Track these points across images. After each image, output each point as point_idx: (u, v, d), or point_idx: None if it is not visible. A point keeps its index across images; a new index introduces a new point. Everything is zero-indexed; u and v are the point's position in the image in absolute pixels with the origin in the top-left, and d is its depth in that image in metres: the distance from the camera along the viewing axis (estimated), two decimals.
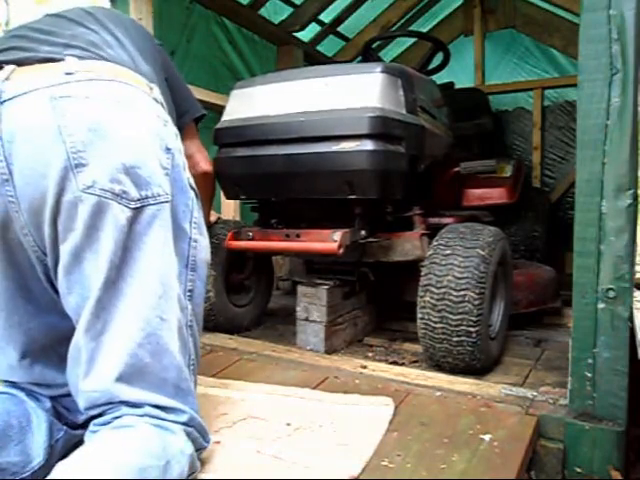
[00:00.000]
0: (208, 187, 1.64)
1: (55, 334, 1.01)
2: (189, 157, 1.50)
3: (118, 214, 0.88)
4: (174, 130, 1.06)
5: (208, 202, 1.74)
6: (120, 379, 0.86)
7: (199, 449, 0.95)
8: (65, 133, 0.87)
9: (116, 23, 1.15)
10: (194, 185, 1.06)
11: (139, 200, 0.90)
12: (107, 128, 0.90)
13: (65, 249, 0.89)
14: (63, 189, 0.87)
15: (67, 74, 0.93)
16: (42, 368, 1.03)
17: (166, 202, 0.94)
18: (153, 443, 0.84)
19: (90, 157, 0.88)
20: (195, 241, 1.02)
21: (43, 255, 0.94)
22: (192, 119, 1.45)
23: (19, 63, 0.95)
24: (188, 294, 1.01)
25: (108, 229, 0.88)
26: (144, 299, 0.90)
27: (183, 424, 0.91)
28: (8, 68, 0.93)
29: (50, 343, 1.02)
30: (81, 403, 0.90)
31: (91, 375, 0.88)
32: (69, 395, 0.96)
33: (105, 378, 0.86)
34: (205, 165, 1.54)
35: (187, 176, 1.04)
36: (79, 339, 0.89)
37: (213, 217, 1.99)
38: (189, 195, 1.03)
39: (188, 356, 0.98)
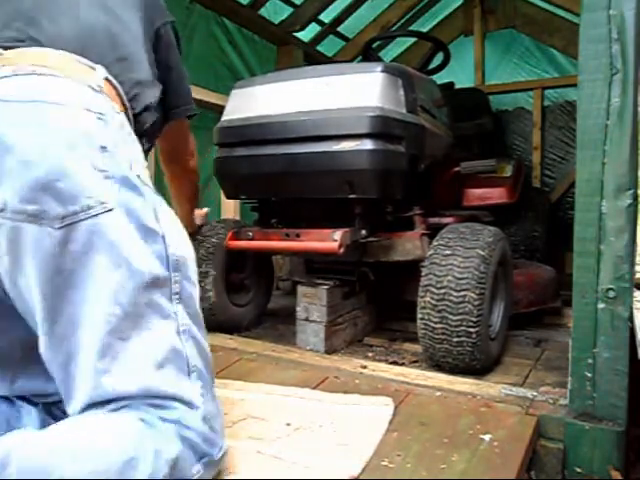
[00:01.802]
0: (189, 184, 1.59)
1: (29, 347, 0.90)
2: (169, 151, 1.47)
3: (40, 238, 0.78)
4: (118, 120, 0.93)
5: (190, 200, 1.70)
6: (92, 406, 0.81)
7: (203, 457, 0.86)
8: None
9: None
10: (148, 181, 0.94)
11: (66, 217, 0.79)
12: (13, 139, 0.79)
13: (2, 272, 0.83)
14: None
15: None
16: (26, 381, 0.97)
17: (107, 212, 0.82)
18: (119, 430, 0.78)
19: None
20: (170, 237, 0.90)
21: None
22: (181, 116, 1.35)
23: None
24: (175, 297, 0.88)
25: (31, 255, 0.79)
26: (98, 325, 0.80)
27: (174, 422, 0.83)
28: None
29: (27, 356, 0.93)
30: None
31: (69, 403, 0.83)
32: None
33: (78, 410, 0.81)
34: (186, 161, 1.48)
35: (139, 172, 0.91)
36: (49, 365, 0.84)
37: (200, 214, 1.91)
38: (144, 191, 0.90)
39: (186, 363, 0.87)
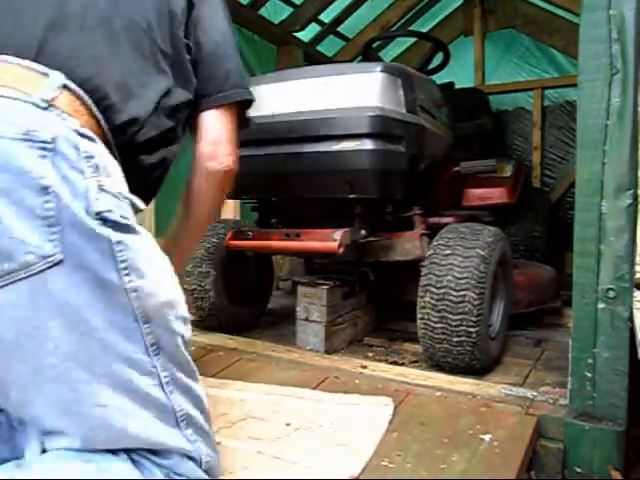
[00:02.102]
0: (212, 193, 1.19)
1: None
2: (197, 151, 1.19)
3: None
4: (73, 144, 0.77)
5: (195, 240, 1.34)
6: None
7: None
8: None
9: None
10: (126, 211, 0.79)
11: (1, 278, 0.70)
12: None
13: None
14: None
15: None
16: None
17: (53, 266, 0.71)
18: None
19: None
20: (135, 290, 0.76)
21: None
22: (214, 105, 1.12)
23: None
24: (153, 349, 0.79)
25: None
26: (60, 399, 0.74)
27: (165, 467, 0.81)
28: None
29: None
30: None
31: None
32: None
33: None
34: (212, 162, 1.13)
35: (107, 206, 0.76)
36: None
37: None
38: (102, 236, 0.74)
39: (172, 414, 0.81)
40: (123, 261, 0.76)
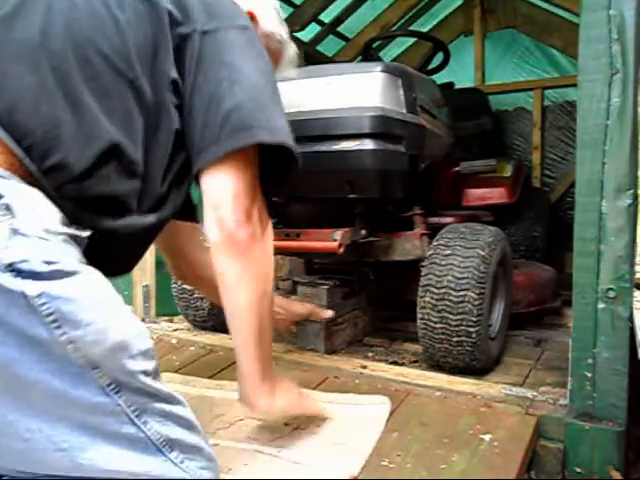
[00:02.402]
0: (232, 273, 0.93)
1: None
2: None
3: None
4: None
5: (241, 307, 0.96)
6: None
7: None
8: None
9: None
10: (29, 265, 0.66)
11: None
12: None
13: None
14: None
15: None
16: None
17: None
18: None
19: None
20: (71, 342, 0.68)
21: None
22: (208, 162, 0.88)
23: None
24: (111, 389, 0.73)
25: None
26: (12, 450, 0.72)
27: None
28: None
29: None
30: None
31: None
32: None
33: None
34: (212, 233, 0.91)
35: (9, 260, 0.65)
36: None
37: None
38: (15, 291, 0.65)
39: (152, 445, 0.78)
40: (49, 314, 0.67)
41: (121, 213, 0.84)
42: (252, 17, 1.07)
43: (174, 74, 0.87)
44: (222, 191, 0.89)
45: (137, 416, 0.76)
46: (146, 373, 0.77)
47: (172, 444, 0.81)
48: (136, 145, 0.83)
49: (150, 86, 0.84)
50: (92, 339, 0.70)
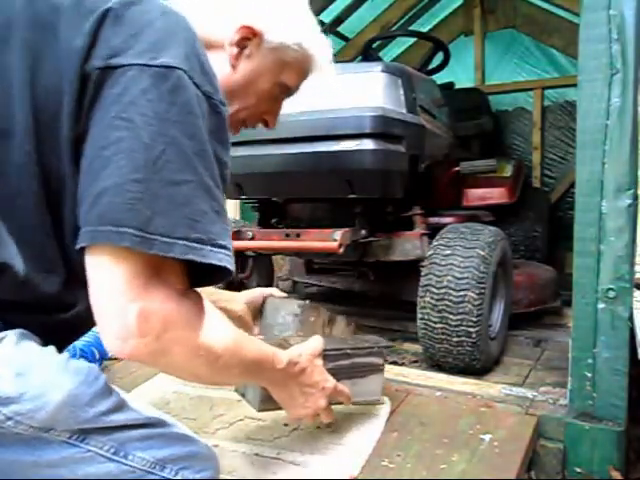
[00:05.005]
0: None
1: None
2: None
3: None
4: None
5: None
6: None
7: None
8: None
9: None
10: None
11: None
12: None
13: None
14: None
15: None
16: None
17: None
18: None
19: None
20: (9, 418, 0.65)
21: None
22: (82, 246, 0.65)
23: None
24: (76, 439, 0.71)
25: None
26: None
27: None
28: None
29: None
30: None
31: None
32: None
33: None
34: (104, 340, 0.68)
35: None
36: None
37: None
38: None
39: (141, 471, 0.76)
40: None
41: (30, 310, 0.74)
42: (251, 33, 0.91)
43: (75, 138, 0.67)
44: (98, 294, 0.66)
45: (114, 453, 0.73)
46: (109, 411, 0.73)
47: (162, 462, 0.79)
48: None
49: (48, 159, 0.68)
50: (30, 408, 0.66)
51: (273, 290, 1.39)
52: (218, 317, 0.77)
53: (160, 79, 0.66)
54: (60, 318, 0.73)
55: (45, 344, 0.72)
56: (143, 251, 0.63)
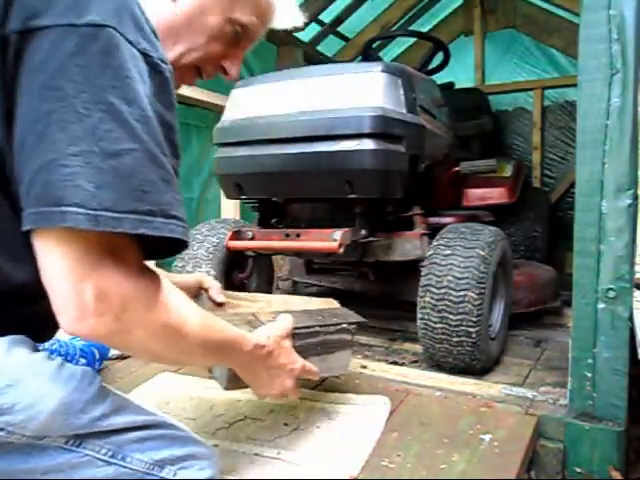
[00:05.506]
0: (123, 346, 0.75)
1: None
2: None
3: None
4: None
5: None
6: None
7: None
8: None
9: None
10: None
11: None
12: None
13: None
14: None
15: None
16: None
17: None
18: None
19: None
20: (1, 429, 0.65)
21: None
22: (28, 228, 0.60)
23: None
24: (72, 444, 0.71)
25: None
26: None
27: None
28: None
29: None
30: None
31: None
32: None
33: None
34: (61, 318, 0.63)
35: None
36: None
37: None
38: None
39: (141, 472, 0.76)
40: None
41: None
42: None
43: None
44: (50, 274, 0.62)
45: (112, 456, 0.73)
46: (104, 415, 0.72)
47: (161, 463, 0.79)
48: None
49: None
50: (23, 419, 0.65)
51: (211, 282, 1.24)
52: (180, 296, 0.74)
53: (88, 40, 0.58)
54: (39, 308, 0.68)
55: (32, 338, 0.70)
56: (89, 229, 0.58)
